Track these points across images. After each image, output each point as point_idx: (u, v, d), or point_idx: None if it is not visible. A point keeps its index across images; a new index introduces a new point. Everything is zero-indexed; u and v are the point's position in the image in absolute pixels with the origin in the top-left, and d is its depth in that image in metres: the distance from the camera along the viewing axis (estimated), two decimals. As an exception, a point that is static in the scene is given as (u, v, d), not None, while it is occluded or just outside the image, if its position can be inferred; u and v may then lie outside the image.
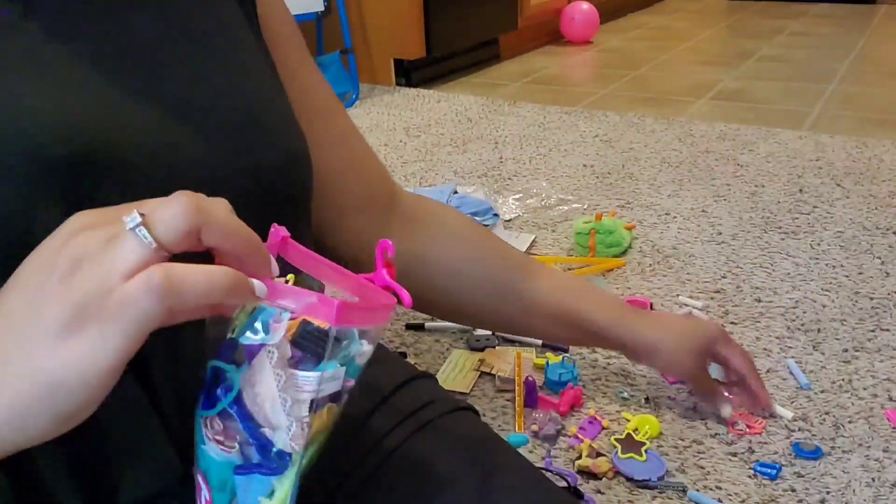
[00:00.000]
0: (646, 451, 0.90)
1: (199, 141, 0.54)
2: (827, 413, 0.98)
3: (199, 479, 0.39)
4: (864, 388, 1.03)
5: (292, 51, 0.70)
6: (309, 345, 0.36)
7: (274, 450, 0.37)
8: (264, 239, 0.58)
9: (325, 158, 0.69)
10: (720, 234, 1.50)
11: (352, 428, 0.58)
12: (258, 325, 0.37)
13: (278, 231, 0.44)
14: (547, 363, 1.06)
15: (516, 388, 1.02)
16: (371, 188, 0.74)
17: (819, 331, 1.17)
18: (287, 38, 0.70)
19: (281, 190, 0.60)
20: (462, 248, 0.77)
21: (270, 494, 0.37)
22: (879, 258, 1.39)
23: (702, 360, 0.90)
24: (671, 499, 0.85)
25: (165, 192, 0.50)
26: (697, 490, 0.86)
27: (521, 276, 0.79)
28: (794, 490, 0.86)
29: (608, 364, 1.09)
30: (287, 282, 0.40)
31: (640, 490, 0.86)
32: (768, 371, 1.07)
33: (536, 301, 0.80)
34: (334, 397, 0.38)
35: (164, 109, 0.53)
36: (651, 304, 1.22)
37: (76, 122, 0.48)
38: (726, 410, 0.94)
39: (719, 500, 0.85)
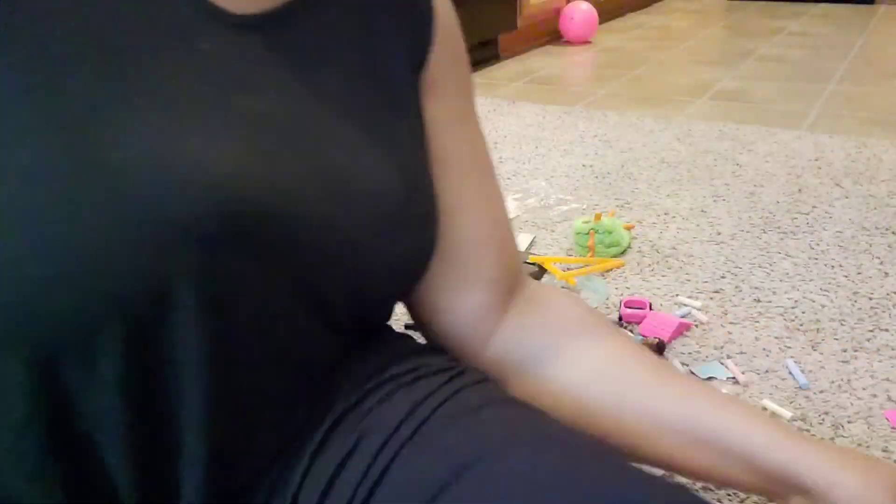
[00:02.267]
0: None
1: (355, 221, 0.51)
2: (826, 413, 0.98)
3: None
4: (863, 389, 1.03)
5: (464, 98, 0.65)
6: None
7: None
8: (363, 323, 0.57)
9: (467, 221, 0.62)
10: (719, 233, 1.50)
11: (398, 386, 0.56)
12: None
13: None
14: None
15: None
16: (502, 264, 0.64)
17: (818, 331, 1.17)
18: (463, 86, 0.65)
19: (397, 285, 0.59)
20: (591, 339, 0.62)
21: None
22: (878, 258, 1.39)
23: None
24: (670, 499, 0.85)
25: (310, 267, 0.49)
26: (697, 490, 0.86)
27: (679, 400, 0.60)
28: (793, 490, 0.86)
29: (607, 364, 1.09)
30: None
31: (640, 490, 0.86)
32: (767, 371, 1.07)
33: (697, 434, 0.59)
34: None
35: (327, 180, 0.50)
36: (650, 304, 1.22)
37: (237, 190, 0.45)
38: None
39: (719, 501, 0.85)
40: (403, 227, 0.55)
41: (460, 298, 0.62)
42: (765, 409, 0.99)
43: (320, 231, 0.49)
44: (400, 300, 0.63)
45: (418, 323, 0.67)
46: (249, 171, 0.46)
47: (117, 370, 0.44)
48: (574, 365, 0.61)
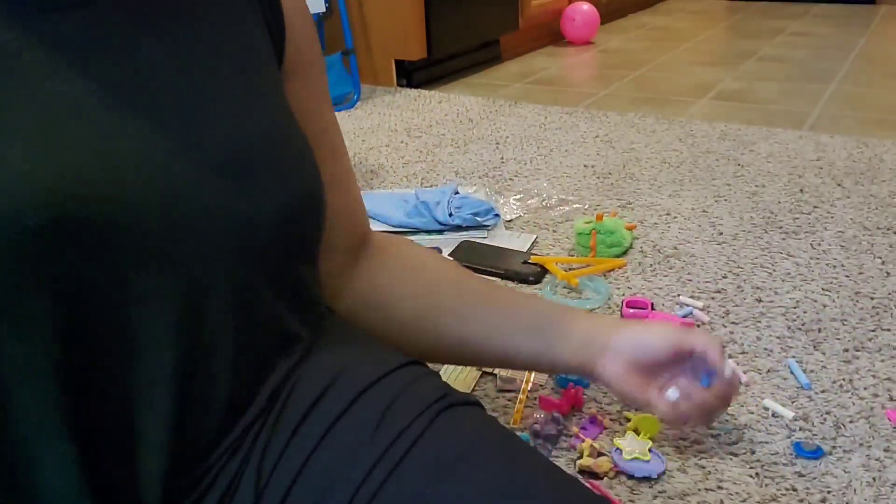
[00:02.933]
0: (649, 449, 0.90)
1: (204, 190, 0.51)
2: (828, 413, 0.98)
3: None
4: (865, 388, 1.03)
5: (317, 89, 0.68)
6: None
7: None
8: (275, 287, 0.58)
9: (328, 199, 0.67)
10: (721, 234, 1.50)
11: (369, 421, 0.58)
12: None
13: None
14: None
15: (524, 386, 1.03)
16: (351, 233, 0.75)
17: (820, 330, 1.17)
18: (315, 77, 0.68)
19: (289, 235, 0.58)
20: (444, 286, 0.78)
21: None
22: (880, 258, 1.39)
23: (630, 383, 0.80)
24: (672, 498, 0.85)
25: (160, 253, 0.48)
26: (698, 490, 0.86)
27: (499, 304, 0.79)
28: (794, 489, 0.86)
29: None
30: None
31: (641, 490, 0.87)
32: (769, 371, 1.07)
33: (516, 325, 0.78)
34: None
35: (165, 155, 0.49)
36: (652, 304, 1.22)
37: (57, 184, 0.44)
38: (671, 393, 0.81)
39: (721, 501, 0.85)
40: (271, 175, 0.55)
41: (324, 264, 0.69)
42: (766, 408, 0.99)
43: (162, 207, 0.48)
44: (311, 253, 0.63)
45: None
46: (67, 162, 0.45)
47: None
48: (403, 297, 0.76)
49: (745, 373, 1.07)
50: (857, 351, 1.11)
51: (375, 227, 1.54)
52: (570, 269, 1.37)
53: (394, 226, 1.54)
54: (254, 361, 0.57)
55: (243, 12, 0.58)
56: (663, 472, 0.88)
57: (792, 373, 1.06)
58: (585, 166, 1.89)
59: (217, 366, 0.54)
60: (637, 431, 0.94)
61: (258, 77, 0.58)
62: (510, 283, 1.34)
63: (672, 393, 0.80)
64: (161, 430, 0.51)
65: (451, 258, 0.77)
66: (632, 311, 1.20)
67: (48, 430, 0.46)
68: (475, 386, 1.05)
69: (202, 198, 0.50)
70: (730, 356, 1.11)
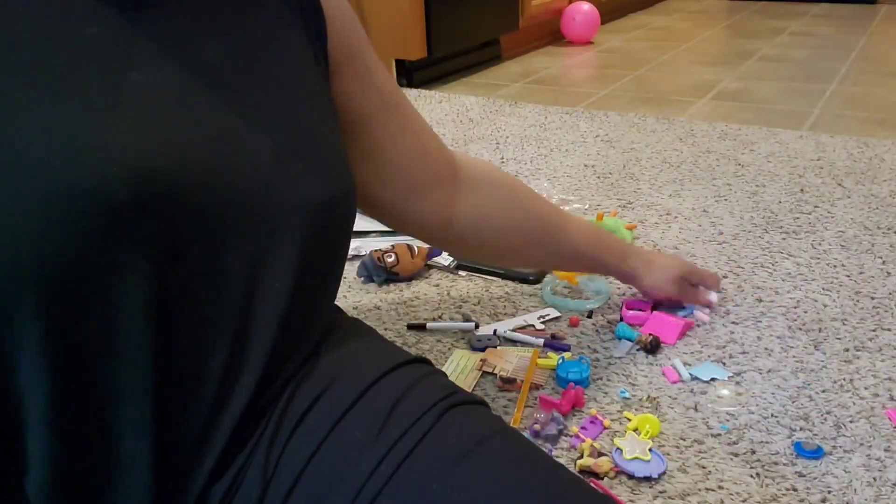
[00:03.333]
0: (650, 450, 0.90)
1: (258, 173, 0.55)
2: (828, 413, 0.98)
3: None
4: (866, 388, 1.03)
5: (367, 56, 0.74)
6: None
7: None
8: (308, 277, 0.61)
9: (399, 148, 0.79)
10: (721, 233, 1.50)
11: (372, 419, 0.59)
12: None
13: None
14: (562, 359, 1.06)
15: (524, 385, 1.03)
16: (438, 169, 0.84)
17: (820, 330, 1.17)
18: (362, 47, 0.73)
19: (329, 223, 0.61)
20: (512, 206, 0.94)
21: None
22: (881, 258, 1.39)
23: (679, 281, 1.18)
24: (672, 498, 0.85)
25: (217, 226, 0.53)
26: (699, 490, 0.86)
27: (555, 227, 0.99)
28: (795, 489, 0.86)
29: (609, 364, 1.09)
30: None
31: (642, 490, 0.87)
32: (770, 371, 1.07)
33: (565, 248, 1.02)
34: None
35: (226, 141, 0.54)
36: (652, 306, 1.22)
37: (140, 161, 0.48)
38: (713, 296, 1.22)
39: (721, 501, 0.85)
40: (312, 168, 0.59)
41: (416, 206, 0.82)
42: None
43: (216, 190, 0.52)
44: (339, 243, 0.66)
45: (400, 230, 0.87)
46: (148, 142, 0.49)
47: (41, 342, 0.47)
48: (498, 224, 0.93)
49: (745, 372, 1.07)
50: (858, 351, 1.11)
51: (375, 226, 1.53)
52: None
53: (394, 225, 1.54)
54: (288, 337, 0.59)
55: (284, 15, 0.63)
56: (664, 472, 0.88)
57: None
58: (586, 166, 1.89)
59: (259, 337, 0.57)
60: (637, 431, 0.94)
61: (304, 77, 0.63)
62: (511, 283, 1.34)
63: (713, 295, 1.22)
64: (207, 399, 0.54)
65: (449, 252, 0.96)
66: (631, 312, 1.20)
67: (130, 401, 0.50)
68: (475, 385, 1.05)
69: (257, 178, 0.55)
70: (730, 356, 1.11)
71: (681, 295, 1.19)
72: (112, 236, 0.47)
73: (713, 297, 1.21)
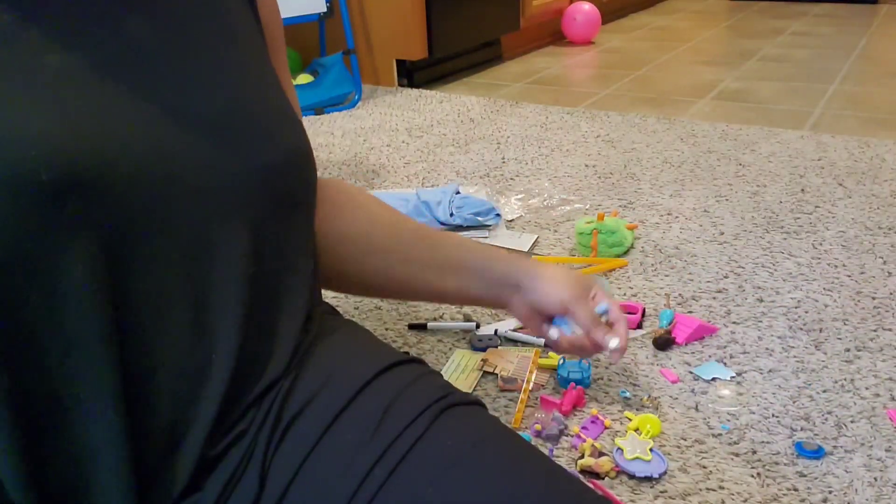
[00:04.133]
0: (650, 449, 0.90)
1: (193, 148, 0.54)
2: (829, 413, 0.98)
3: None
4: (867, 388, 1.03)
5: (281, 56, 0.73)
6: None
7: None
8: (269, 239, 0.59)
9: None
10: (722, 233, 1.50)
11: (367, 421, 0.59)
12: None
13: None
14: (563, 359, 1.06)
15: (525, 385, 1.03)
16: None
17: (821, 330, 1.17)
18: (279, 45, 0.72)
19: (282, 190, 0.60)
20: (372, 222, 0.84)
21: None
22: (881, 258, 1.39)
23: (579, 286, 0.91)
24: (673, 498, 0.85)
25: (157, 207, 0.52)
26: (700, 490, 0.86)
27: (430, 244, 0.87)
28: (796, 489, 0.86)
29: (610, 364, 1.09)
30: None
31: (643, 490, 0.87)
32: (770, 371, 1.07)
33: (432, 260, 0.87)
34: None
35: (156, 118, 0.53)
36: (644, 310, 1.22)
37: (61, 143, 0.48)
38: (614, 342, 0.89)
39: (722, 501, 0.85)
40: (258, 133, 0.58)
41: None
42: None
43: (144, 171, 0.51)
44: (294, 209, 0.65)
45: None
46: (66, 126, 0.49)
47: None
48: (350, 224, 0.82)
49: (746, 372, 1.07)
50: (859, 351, 1.11)
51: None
52: (571, 269, 1.37)
53: (395, 225, 1.54)
54: (259, 321, 0.59)
55: None
56: (664, 472, 0.88)
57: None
58: (587, 166, 1.89)
59: (223, 322, 0.56)
60: (638, 431, 0.94)
61: (239, 46, 0.62)
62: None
63: (553, 332, 0.92)
64: (166, 385, 0.53)
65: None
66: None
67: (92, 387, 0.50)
68: (476, 385, 1.05)
69: (193, 153, 0.54)
70: (731, 356, 1.11)
71: (581, 298, 0.90)
72: (42, 220, 0.47)
73: (613, 342, 0.89)
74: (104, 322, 0.50)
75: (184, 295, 0.54)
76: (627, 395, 1.02)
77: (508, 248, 1.44)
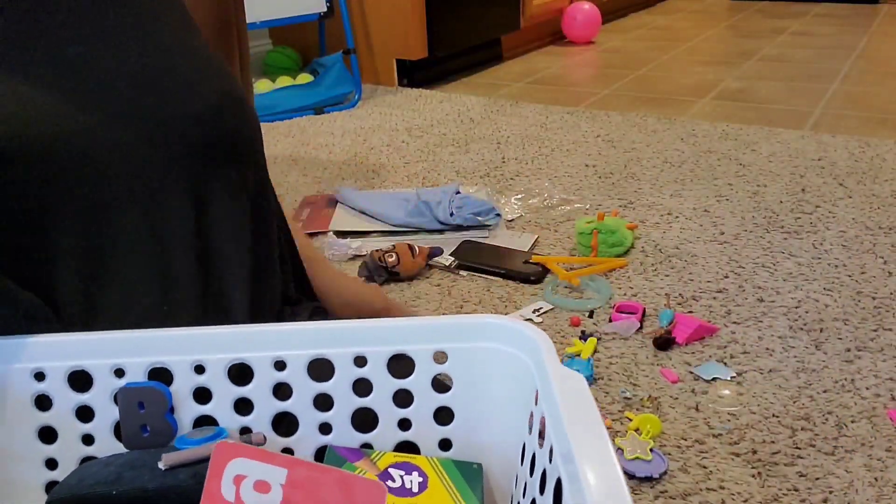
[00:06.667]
0: (651, 449, 0.90)
1: (115, 99, 0.55)
2: (829, 413, 0.98)
3: None
4: (867, 388, 1.03)
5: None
6: None
7: None
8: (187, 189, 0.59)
9: None
10: (722, 233, 1.50)
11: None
12: None
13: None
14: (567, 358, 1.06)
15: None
16: None
17: (821, 330, 1.17)
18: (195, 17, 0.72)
19: (218, 133, 0.60)
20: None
21: None
22: (882, 258, 1.39)
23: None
24: (673, 498, 0.85)
25: (85, 162, 0.53)
26: (700, 490, 0.86)
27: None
28: (796, 489, 0.86)
29: (610, 364, 1.09)
30: None
31: (643, 490, 0.86)
32: (771, 371, 1.07)
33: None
34: None
35: (68, 81, 0.54)
36: (644, 310, 1.22)
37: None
38: None
39: (722, 501, 0.85)
40: (188, 80, 0.59)
41: None
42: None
43: (72, 127, 0.53)
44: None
45: None
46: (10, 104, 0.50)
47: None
48: None
49: (746, 372, 1.07)
50: (859, 351, 1.11)
51: (376, 226, 1.54)
52: (571, 269, 1.37)
53: (395, 225, 1.54)
54: (206, 279, 0.59)
55: None
56: (665, 472, 0.88)
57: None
58: (587, 166, 1.89)
59: (170, 275, 0.57)
60: (638, 431, 0.94)
61: (160, 7, 0.62)
62: (512, 283, 1.34)
63: None
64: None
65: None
66: (622, 315, 1.19)
67: None
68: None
69: (115, 107, 0.55)
70: (731, 356, 1.11)
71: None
72: None
73: None
74: (83, 290, 0.51)
75: (144, 244, 0.55)
76: (628, 394, 1.02)
77: (509, 248, 1.44)
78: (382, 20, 2.71)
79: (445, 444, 0.54)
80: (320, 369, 0.51)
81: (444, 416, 0.53)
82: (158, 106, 0.56)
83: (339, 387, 0.52)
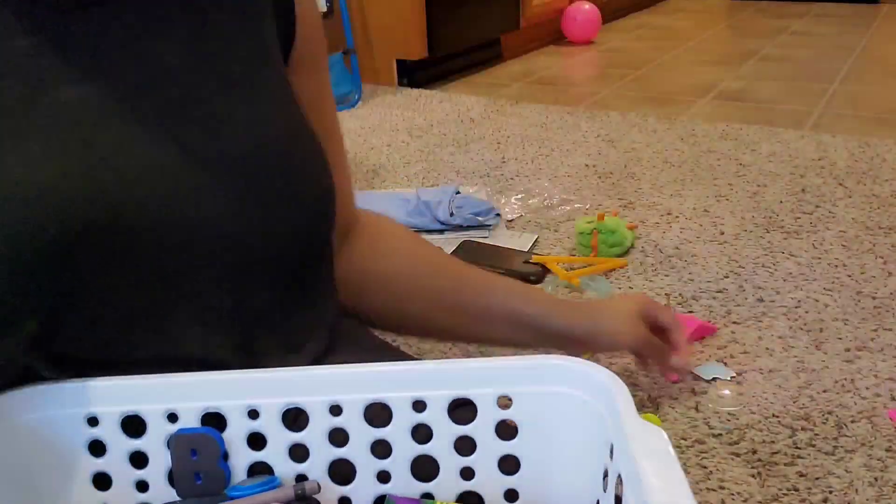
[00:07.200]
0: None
1: (221, 196, 0.50)
2: (829, 413, 0.98)
3: None
4: (867, 388, 1.03)
5: (323, 73, 0.68)
6: None
7: None
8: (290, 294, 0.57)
9: None
10: (722, 233, 1.50)
11: None
12: None
13: None
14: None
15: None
16: (348, 212, 0.73)
17: (821, 330, 1.17)
18: (321, 62, 0.67)
19: (305, 240, 0.58)
20: (414, 265, 0.77)
21: None
22: (882, 258, 1.39)
23: (641, 326, 0.86)
24: (674, 498, 0.85)
25: (180, 259, 0.49)
26: (700, 490, 0.86)
27: (477, 291, 0.79)
28: (796, 489, 0.86)
29: (609, 365, 1.09)
30: None
31: (643, 489, 0.86)
32: (771, 371, 1.07)
33: (469, 304, 0.78)
34: None
35: (180, 161, 0.48)
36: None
37: (70, 193, 0.44)
38: (682, 360, 0.89)
39: (722, 501, 0.85)
40: (286, 179, 0.54)
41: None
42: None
43: (180, 213, 0.48)
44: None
45: None
46: (75, 171, 0.44)
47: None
48: (401, 284, 0.76)
49: (746, 372, 1.07)
50: (859, 351, 1.11)
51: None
52: (571, 269, 1.37)
53: (395, 225, 1.54)
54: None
55: (255, 6, 0.56)
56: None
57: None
58: (587, 166, 1.89)
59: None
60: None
61: (269, 76, 0.57)
62: (511, 283, 1.34)
63: None
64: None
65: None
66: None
67: None
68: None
69: (222, 205, 0.50)
70: (731, 356, 1.11)
71: (645, 341, 0.87)
72: (52, 270, 0.44)
73: (681, 361, 0.89)
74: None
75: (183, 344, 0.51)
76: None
77: (509, 248, 1.44)
78: (382, 20, 2.71)
79: (511, 495, 0.51)
80: (378, 414, 0.49)
81: (510, 464, 0.50)
82: (263, 202, 0.52)
83: (397, 432, 0.49)
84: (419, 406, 0.49)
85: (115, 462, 0.49)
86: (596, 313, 0.85)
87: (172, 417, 0.48)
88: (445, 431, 0.49)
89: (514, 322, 0.79)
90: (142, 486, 0.50)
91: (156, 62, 0.49)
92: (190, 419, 0.48)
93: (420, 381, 0.49)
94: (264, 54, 0.56)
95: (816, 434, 0.94)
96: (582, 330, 0.82)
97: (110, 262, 0.46)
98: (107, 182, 0.45)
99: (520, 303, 0.80)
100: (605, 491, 0.45)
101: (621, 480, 0.41)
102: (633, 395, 1.02)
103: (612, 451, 0.44)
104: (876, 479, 0.87)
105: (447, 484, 0.50)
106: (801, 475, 0.88)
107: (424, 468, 0.49)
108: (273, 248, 0.54)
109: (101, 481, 0.50)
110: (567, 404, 0.48)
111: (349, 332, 0.70)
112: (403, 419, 0.49)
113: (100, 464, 0.49)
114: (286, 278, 0.56)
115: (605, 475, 0.45)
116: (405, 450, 0.50)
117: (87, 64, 0.46)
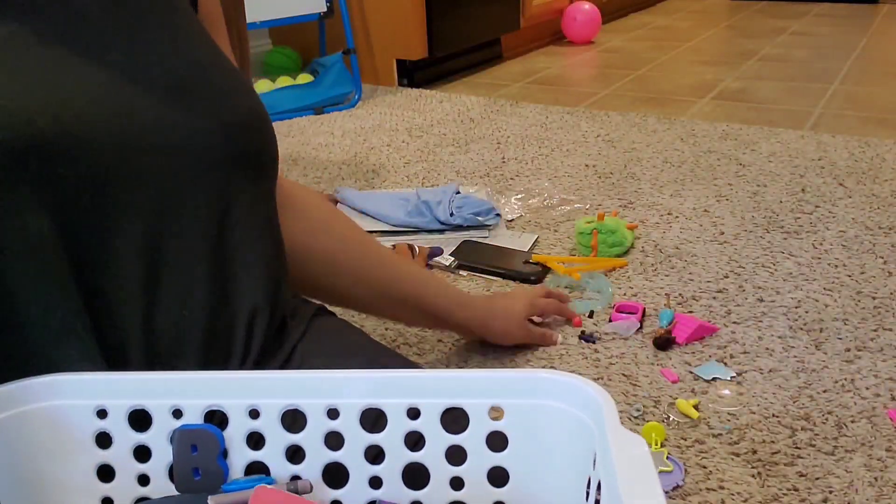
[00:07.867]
0: (667, 458, 0.90)
1: (151, 106, 0.56)
2: (829, 412, 0.98)
3: None
4: (867, 388, 1.03)
5: (223, 40, 0.73)
6: None
7: None
8: (224, 195, 0.61)
9: None
10: (722, 233, 1.50)
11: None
12: None
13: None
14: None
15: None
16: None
17: (821, 330, 1.17)
18: (221, 28, 0.73)
19: (244, 150, 0.61)
20: (333, 240, 0.87)
21: None
22: (882, 258, 1.39)
23: (526, 328, 1.09)
24: (673, 499, 0.85)
25: (120, 164, 0.54)
26: (700, 490, 0.86)
27: (376, 264, 0.91)
28: (796, 489, 0.86)
29: (610, 364, 1.09)
30: None
31: (643, 489, 0.86)
32: (770, 371, 1.07)
33: (387, 288, 0.92)
34: None
35: (110, 80, 0.55)
36: (644, 310, 1.22)
37: (18, 106, 0.50)
38: (558, 337, 1.14)
39: (722, 501, 0.85)
40: (213, 95, 0.60)
41: None
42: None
43: (116, 122, 0.54)
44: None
45: None
46: (20, 90, 0.51)
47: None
48: (321, 257, 0.85)
49: (746, 372, 1.07)
50: (859, 351, 1.11)
51: (376, 226, 1.53)
52: (571, 269, 1.37)
53: (394, 225, 1.54)
54: (225, 286, 0.60)
55: None
56: (683, 478, 0.88)
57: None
58: (587, 166, 1.89)
59: (189, 282, 0.58)
60: (649, 444, 0.94)
61: (183, 19, 0.64)
62: (512, 283, 1.34)
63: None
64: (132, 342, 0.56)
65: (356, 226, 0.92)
66: (623, 315, 1.19)
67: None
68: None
69: (151, 114, 0.56)
70: (731, 356, 1.11)
71: (528, 338, 1.10)
72: (4, 176, 0.49)
73: (558, 338, 1.13)
74: (65, 276, 0.52)
75: (145, 252, 0.55)
76: (639, 407, 1.02)
77: (509, 248, 1.44)
78: (382, 20, 2.71)
79: None
80: (376, 420, 0.50)
81: (497, 476, 0.51)
82: (190, 117, 0.57)
83: (390, 439, 0.50)
84: (413, 413, 0.49)
85: (120, 455, 0.50)
86: (488, 315, 1.04)
87: (177, 413, 0.49)
88: (438, 440, 0.50)
89: (422, 309, 0.96)
90: (143, 480, 0.51)
91: (75, 7, 0.56)
92: (193, 416, 0.49)
93: (415, 388, 0.49)
94: (172, 3, 0.64)
95: (816, 434, 0.94)
96: (476, 324, 1.04)
97: (56, 170, 0.51)
98: (48, 97, 0.52)
99: (430, 294, 0.96)
100: (587, 500, 0.46)
101: (600, 488, 0.42)
102: (634, 399, 1.02)
103: (595, 461, 0.45)
104: (876, 479, 0.87)
105: (438, 493, 0.51)
106: (801, 475, 0.88)
107: (414, 476, 0.50)
108: (204, 161, 0.58)
109: (105, 473, 0.50)
110: (557, 417, 0.49)
111: (338, 329, 0.72)
112: (398, 426, 0.50)
113: (105, 455, 0.50)
114: (219, 198, 0.60)
115: (589, 484, 0.46)
116: (398, 457, 0.50)
117: (14, 9, 0.54)
